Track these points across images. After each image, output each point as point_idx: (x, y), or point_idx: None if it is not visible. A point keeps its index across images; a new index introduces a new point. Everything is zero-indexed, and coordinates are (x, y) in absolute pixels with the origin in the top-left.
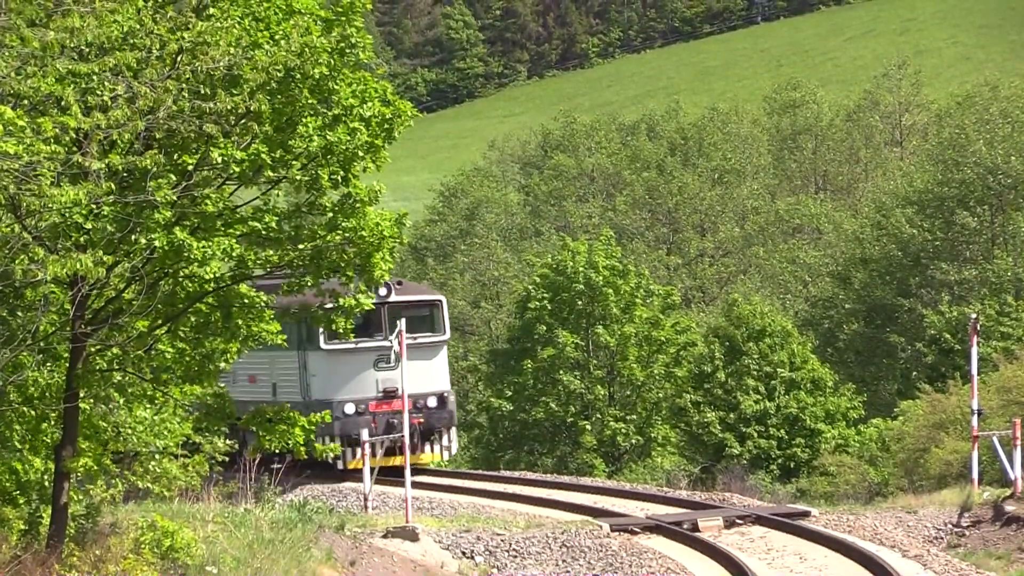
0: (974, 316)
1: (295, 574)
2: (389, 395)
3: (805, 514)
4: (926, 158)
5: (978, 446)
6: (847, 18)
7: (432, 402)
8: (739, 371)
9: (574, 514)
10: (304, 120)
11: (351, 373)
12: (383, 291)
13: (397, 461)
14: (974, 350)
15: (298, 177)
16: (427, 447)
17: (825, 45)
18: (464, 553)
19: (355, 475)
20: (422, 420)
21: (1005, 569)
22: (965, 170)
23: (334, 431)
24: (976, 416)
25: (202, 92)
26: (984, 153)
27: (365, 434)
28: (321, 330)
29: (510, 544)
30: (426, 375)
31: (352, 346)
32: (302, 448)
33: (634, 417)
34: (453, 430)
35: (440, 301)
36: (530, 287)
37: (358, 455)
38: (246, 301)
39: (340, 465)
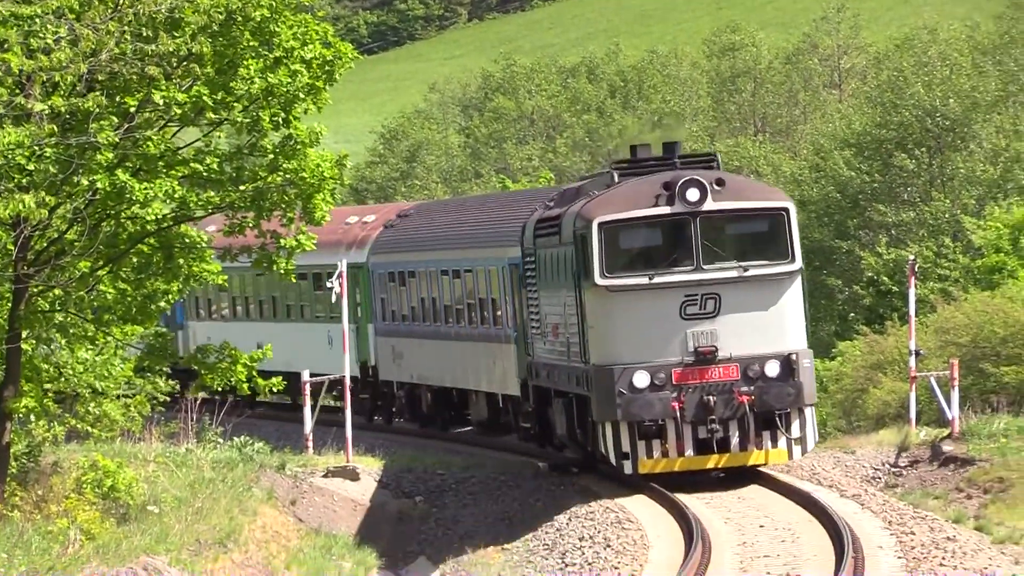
0: (912, 258)
1: (236, 513)
2: (705, 358)
3: None
4: (865, 100)
5: (916, 387)
6: None
7: (772, 369)
8: None
9: (517, 455)
10: (246, 62)
11: (644, 323)
12: (692, 193)
13: (718, 462)
14: (912, 292)
15: (240, 119)
16: (765, 439)
17: None
18: (404, 493)
19: (653, 479)
20: (753, 397)
21: (943, 509)
22: (903, 112)
23: (615, 413)
24: (914, 357)
25: (144, 34)
26: (922, 95)
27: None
28: (598, 260)
29: (449, 484)
30: (761, 326)
31: (644, 281)
32: (245, 385)
33: None
34: (809, 412)
35: (787, 210)
36: None
37: (655, 452)
38: (187, 241)
39: (628, 468)
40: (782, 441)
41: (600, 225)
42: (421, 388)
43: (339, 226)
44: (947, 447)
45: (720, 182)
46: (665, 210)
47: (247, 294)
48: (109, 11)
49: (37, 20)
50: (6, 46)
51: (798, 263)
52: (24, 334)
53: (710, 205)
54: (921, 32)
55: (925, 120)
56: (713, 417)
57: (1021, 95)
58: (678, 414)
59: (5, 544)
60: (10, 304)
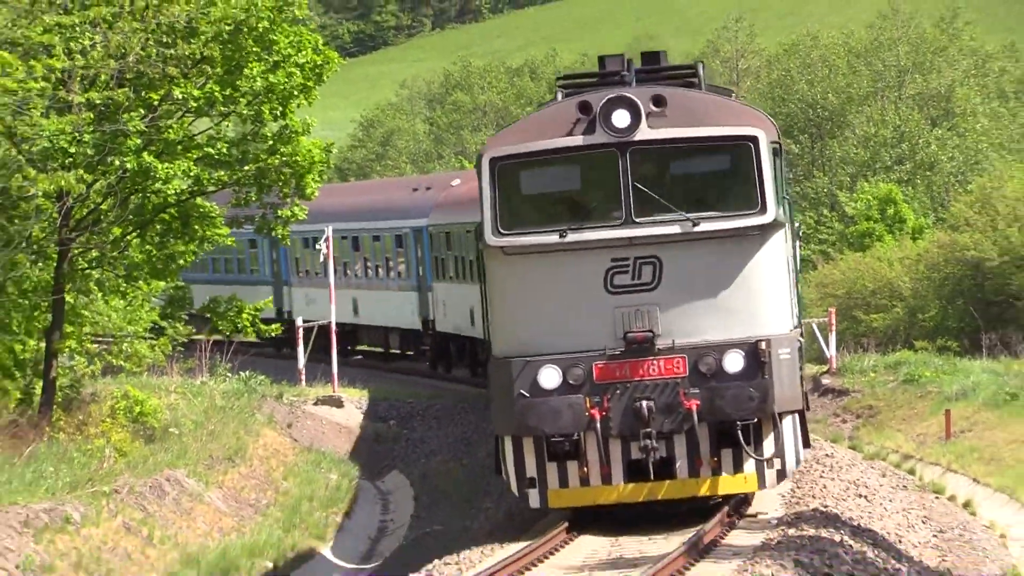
0: (797, 224)
1: (242, 434)
2: (639, 347)
3: None
4: (758, 96)
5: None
6: None
7: (732, 362)
8: None
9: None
10: (249, 65)
11: (554, 299)
12: (620, 117)
13: (655, 492)
14: (797, 252)
15: (244, 111)
16: (725, 461)
17: (677, 3)
18: (380, 417)
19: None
20: (699, 403)
21: (823, 431)
22: (790, 105)
23: (512, 425)
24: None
25: (165, 41)
26: (806, 91)
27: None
28: (491, 212)
29: (417, 411)
30: (718, 303)
31: (554, 239)
32: (250, 329)
33: None
34: (789, 423)
35: (755, 139)
36: None
37: (571, 479)
38: (202, 211)
39: (535, 500)
40: (749, 464)
41: (492, 162)
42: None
43: (407, 195)
44: (826, 380)
45: (659, 100)
46: (579, 140)
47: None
48: (136, 21)
49: (76, 28)
50: (51, 49)
51: (771, 213)
52: (67, 287)
53: (645, 133)
54: (805, 39)
55: (808, 111)
56: (649, 430)
57: (887, 90)
58: (599, 426)
59: (52, 460)
60: (56, 263)
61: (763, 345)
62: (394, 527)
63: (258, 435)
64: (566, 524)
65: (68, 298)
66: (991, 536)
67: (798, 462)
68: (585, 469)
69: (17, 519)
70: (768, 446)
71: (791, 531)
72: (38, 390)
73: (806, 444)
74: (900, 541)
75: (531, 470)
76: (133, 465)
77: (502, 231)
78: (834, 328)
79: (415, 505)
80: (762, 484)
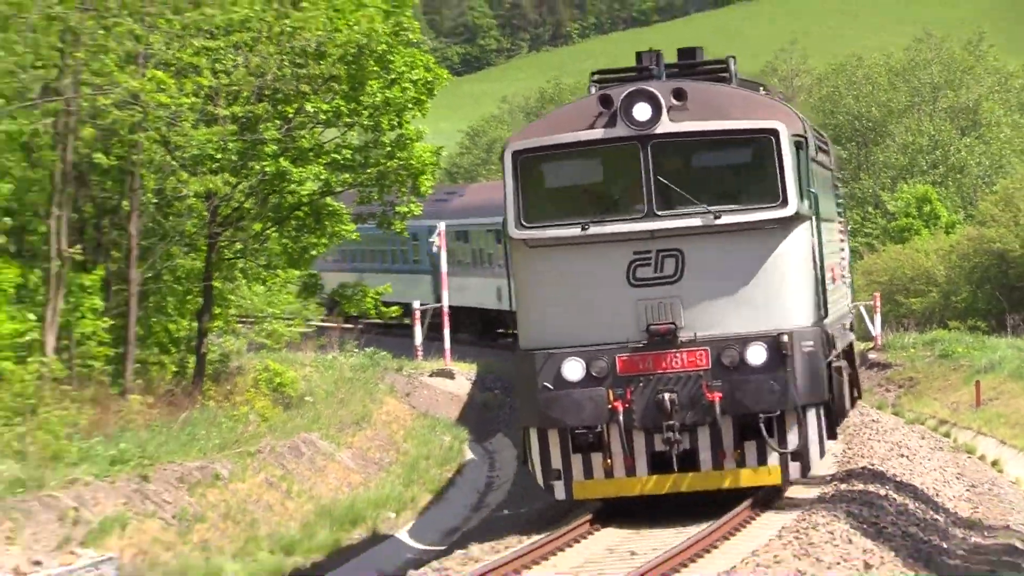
0: (847, 220)
1: (368, 402)
2: (662, 340)
3: None
4: (811, 109)
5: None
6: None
7: (755, 355)
8: None
9: None
10: (370, 82)
11: (577, 292)
12: (640, 110)
13: (680, 484)
14: (847, 244)
15: (366, 122)
16: (748, 453)
17: (739, 27)
18: (487, 387)
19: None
20: (722, 395)
21: (869, 399)
22: (838, 117)
23: (536, 417)
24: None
25: (299, 62)
26: (852, 105)
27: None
28: (514, 205)
29: None
30: (740, 296)
31: (576, 232)
32: (372, 311)
33: None
34: (812, 415)
35: (776, 132)
36: None
37: (596, 471)
38: (331, 209)
39: (560, 492)
40: (773, 456)
41: (515, 156)
42: None
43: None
44: (872, 355)
45: (680, 94)
46: (600, 133)
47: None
48: (273, 45)
49: (221, 51)
50: (200, 69)
51: (792, 206)
52: (215, 275)
53: (666, 126)
54: (851, 59)
55: (854, 122)
56: (672, 422)
57: (922, 104)
58: (621, 418)
59: (204, 424)
60: (205, 254)
61: (785, 338)
62: (499, 482)
63: (381, 403)
64: (590, 516)
65: (216, 284)
66: (1017, 490)
67: (822, 454)
68: (609, 461)
69: (174, 475)
70: (792, 439)
71: (843, 486)
72: (191, 364)
73: (831, 436)
74: (937, 495)
75: (556, 462)
76: (273, 429)
77: (525, 224)
78: (879, 310)
79: (517, 464)
80: (786, 477)
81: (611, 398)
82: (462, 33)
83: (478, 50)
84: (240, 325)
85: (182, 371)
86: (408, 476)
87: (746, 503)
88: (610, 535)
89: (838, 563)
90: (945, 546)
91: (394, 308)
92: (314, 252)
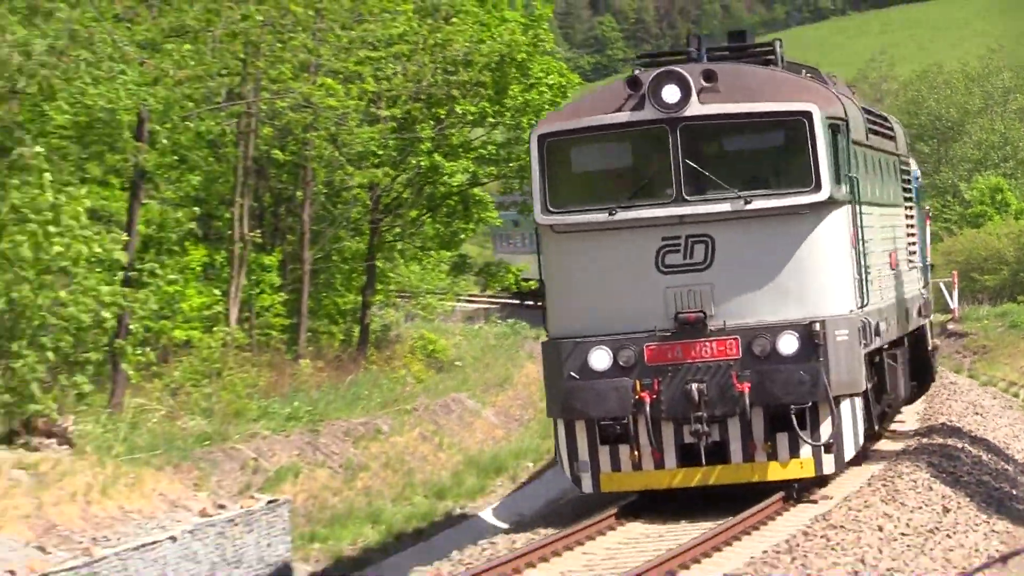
0: (927, 208)
1: (509, 366)
2: (691, 328)
3: None
4: (897, 110)
5: (931, 289)
6: (845, 25)
7: (787, 344)
8: None
9: None
10: (512, 87)
11: (604, 279)
12: (669, 92)
13: (709, 477)
14: (928, 229)
15: (509, 122)
16: (780, 446)
17: (835, 39)
18: None
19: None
20: (751, 385)
21: (948, 363)
22: (921, 117)
23: (560, 408)
24: (930, 269)
25: (449, 69)
26: (933, 107)
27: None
28: (540, 189)
29: None
30: (772, 283)
31: (603, 218)
32: (513, 286)
33: None
34: (847, 407)
35: (809, 114)
36: None
37: (624, 463)
38: (478, 198)
39: (587, 484)
40: (805, 449)
41: (540, 139)
42: None
43: None
44: (951, 326)
45: (711, 75)
46: (628, 116)
47: None
48: (428, 55)
49: (382, 60)
50: (363, 76)
51: (826, 191)
52: (377, 256)
53: (696, 109)
54: (932, 67)
55: (935, 122)
56: (700, 414)
57: (995, 106)
58: (648, 409)
59: (367, 385)
60: (368, 237)
61: (817, 326)
62: None
63: (521, 367)
64: (615, 511)
65: (378, 263)
66: None
67: (857, 447)
68: (636, 453)
69: (341, 430)
70: (825, 431)
71: (924, 440)
72: (356, 333)
73: (870, 429)
74: (1007, 448)
75: (583, 453)
76: (427, 390)
77: (551, 209)
78: (956, 286)
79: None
80: (819, 470)
81: (638, 388)
82: (592, 44)
83: (606, 59)
84: (399, 299)
85: (348, 339)
86: (544, 431)
87: (777, 496)
88: (634, 529)
89: (920, 507)
90: (1015, 492)
91: (531, 281)
92: (463, 236)
